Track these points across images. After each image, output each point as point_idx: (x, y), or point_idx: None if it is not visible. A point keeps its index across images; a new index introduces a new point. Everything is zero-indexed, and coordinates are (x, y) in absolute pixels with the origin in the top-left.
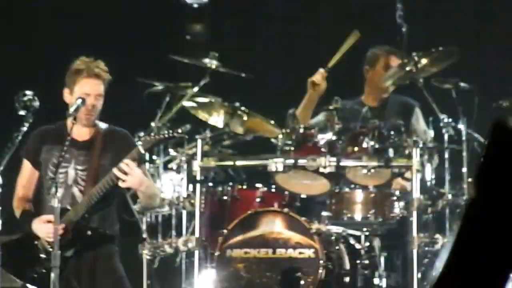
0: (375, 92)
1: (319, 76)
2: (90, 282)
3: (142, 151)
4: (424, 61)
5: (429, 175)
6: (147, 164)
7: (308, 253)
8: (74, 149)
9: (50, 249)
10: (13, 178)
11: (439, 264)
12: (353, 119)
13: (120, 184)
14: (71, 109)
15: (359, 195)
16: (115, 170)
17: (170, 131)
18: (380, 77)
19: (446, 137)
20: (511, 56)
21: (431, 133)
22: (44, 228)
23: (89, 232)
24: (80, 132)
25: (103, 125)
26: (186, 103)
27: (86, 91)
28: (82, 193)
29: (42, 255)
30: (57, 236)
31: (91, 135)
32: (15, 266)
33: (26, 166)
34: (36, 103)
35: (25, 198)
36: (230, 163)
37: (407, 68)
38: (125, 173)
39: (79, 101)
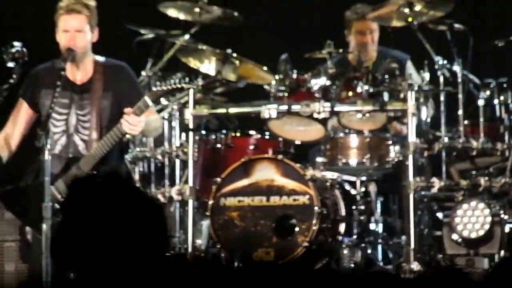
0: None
1: None
2: None
3: (150, 103)
4: (418, 7)
5: (425, 118)
6: None
7: (303, 199)
8: (74, 94)
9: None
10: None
11: None
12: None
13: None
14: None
15: (354, 140)
16: (122, 126)
17: (177, 81)
18: (356, 43)
19: (441, 79)
20: None
21: (426, 76)
22: None
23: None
24: (78, 73)
25: (100, 59)
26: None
27: (65, 27)
28: (84, 142)
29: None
30: (49, 188)
31: (89, 76)
32: (25, 213)
33: (22, 106)
34: (25, 55)
35: (9, 138)
36: (223, 110)
37: (403, 10)
38: (131, 124)
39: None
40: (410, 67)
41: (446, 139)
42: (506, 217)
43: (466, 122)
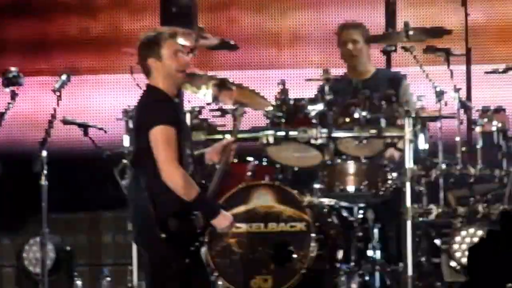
0: (350, 66)
1: None
2: None
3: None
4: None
5: (422, 145)
6: None
7: (300, 226)
8: None
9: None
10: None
11: None
12: (343, 93)
13: None
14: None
15: (351, 166)
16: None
17: None
18: (342, 53)
19: (439, 105)
20: (502, 19)
21: (423, 102)
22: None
23: None
24: None
25: None
26: None
27: (179, 47)
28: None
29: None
30: (46, 215)
31: None
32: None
33: (174, 135)
34: (22, 80)
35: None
36: (220, 136)
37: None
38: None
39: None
40: (405, 86)
41: (443, 166)
42: None
43: (463, 148)
